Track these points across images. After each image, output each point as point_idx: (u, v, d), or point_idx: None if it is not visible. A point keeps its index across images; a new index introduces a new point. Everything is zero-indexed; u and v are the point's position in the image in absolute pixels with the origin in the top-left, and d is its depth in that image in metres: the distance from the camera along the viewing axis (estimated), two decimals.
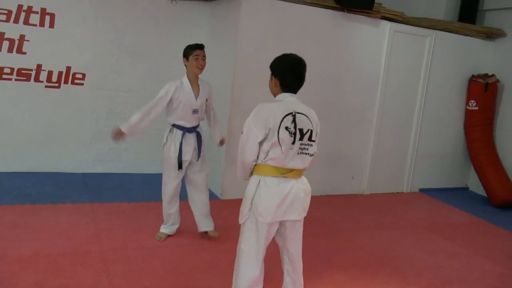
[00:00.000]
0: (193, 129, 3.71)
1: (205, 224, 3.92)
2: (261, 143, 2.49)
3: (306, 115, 2.55)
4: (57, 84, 5.10)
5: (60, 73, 5.08)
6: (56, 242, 3.57)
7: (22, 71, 4.92)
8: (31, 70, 4.95)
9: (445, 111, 6.31)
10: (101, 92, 5.32)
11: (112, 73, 5.31)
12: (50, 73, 5.03)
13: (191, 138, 3.70)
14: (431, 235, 4.63)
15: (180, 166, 3.67)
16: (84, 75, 5.19)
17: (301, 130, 2.50)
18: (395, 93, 5.87)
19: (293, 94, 2.63)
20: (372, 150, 5.86)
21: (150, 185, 5.22)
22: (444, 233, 4.72)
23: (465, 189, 6.68)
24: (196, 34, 5.51)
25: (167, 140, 3.71)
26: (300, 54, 5.41)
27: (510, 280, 3.78)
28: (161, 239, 3.83)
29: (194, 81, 3.68)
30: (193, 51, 3.60)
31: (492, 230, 5.02)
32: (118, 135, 3.60)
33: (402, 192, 6.20)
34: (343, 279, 3.48)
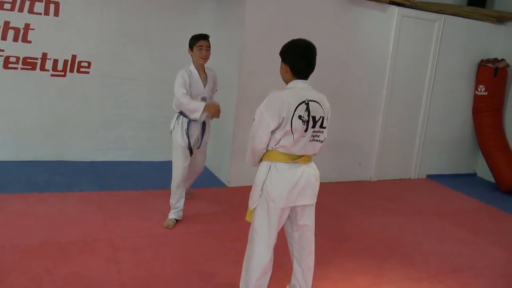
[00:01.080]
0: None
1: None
2: (273, 132, 2.48)
3: (318, 102, 2.53)
4: (62, 73, 5.09)
5: (65, 61, 5.06)
6: (64, 230, 3.58)
7: (28, 60, 4.90)
8: (36, 59, 4.93)
9: (454, 96, 6.24)
10: (107, 80, 5.30)
11: (117, 61, 5.29)
12: (55, 62, 5.02)
13: (196, 126, 3.78)
14: (439, 222, 4.62)
15: (191, 152, 3.77)
16: (89, 63, 5.17)
17: (314, 118, 2.49)
18: (403, 78, 5.81)
19: (305, 81, 2.60)
20: (379, 136, 5.82)
21: (157, 172, 5.23)
22: (452, 220, 4.70)
23: (473, 175, 6.64)
24: (202, 21, 5.47)
25: (174, 127, 3.79)
26: None
27: None
28: (169, 226, 3.84)
29: (200, 70, 3.75)
30: (196, 41, 3.65)
31: (501, 217, 5.00)
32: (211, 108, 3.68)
33: (410, 179, 6.17)
34: (351, 266, 3.47)
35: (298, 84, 2.57)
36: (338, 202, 4.93)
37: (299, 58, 2.55)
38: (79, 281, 2.89)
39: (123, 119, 5.44)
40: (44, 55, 4.95)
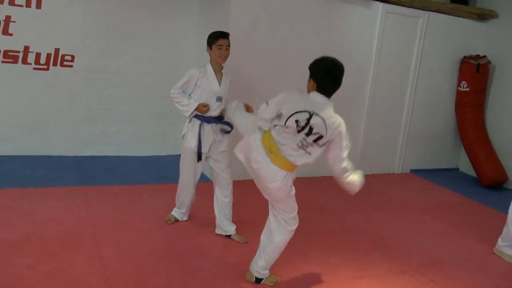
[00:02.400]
0: (212, 120, 3.53)
1: (225, 227, 3.71)
2: (271, 119, 2.72)
3: (324, 120, 2.61)
4: (45, 66, 5.01)
5: (48, 55, 4.99)
6: (48, 225, 3.55)
7: (9, 53, 4.82)
8: (18, 52, 4.85)
9: (437, 92, 6.32)
10: (91, 74, 5.25)
11: (102, 55, 5.23)
12: (38, 55, 4.94)
13: (209, 129, 3.53)
14: (421, 216, 4.70)
15: (199, 158, 3.55)
16: (73, 57, 5.11)
17: (311, 129, 2.59)
18: (387, 74, 5.86)
19: (324, 97, 2.73)
20: (363, 131, 5.88)
21: (142, 167, 5.21)
22: (434, 214, 4.78)
23: (456, 169, 6.75)
24: (187, 15, 5.45)
25: (187, 131, 3.58)
26: (291, 36, 5.41)
27: (498, 259, 3.85)
28: (169, 221, 3.84)
29: (217, 70, 3.55)
30: (216, 40, 3.46)
31: (481, 210, 5.10)
32: (201, 107, 3.49)
33: (394, 173, 6.25)
34: (334, 260, 3.52)
35: (316, 96, 2.71)
36: (322, 196, 4.97)
37: (326, 78, 2.71)
38: (62, 276, 2.88)
39: (107, 114, 5.40)
40: (26, 48, 4.87)
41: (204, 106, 3.45)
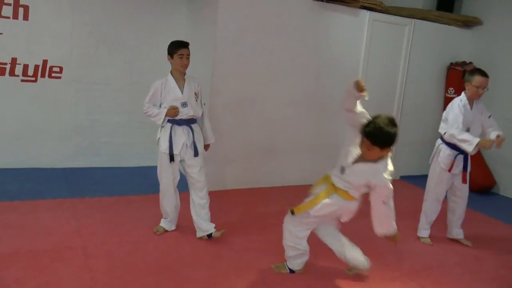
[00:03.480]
0: (183, 122, 3.66)
1: (203, 227, 3.79)
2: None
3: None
4: (33, 78, 5.00)
5: (36, 66, 4.97)
6: (36, 239, 3.52)
7: None
8: (5, 64, 4.83)
9: (425, 98, 6.38)
10: (79, 85, 5.24)
11: (90, 66, 5.23)
12: (26, 67, 4.92)
13: (181, 131, 3.65)
14: (411, 222, 4.69)
15: (171, 159, 3.65)
16: (61, 68, 5.10)
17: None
18: (375, 82, 5.91)
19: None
20: None
21: (132, 178, 5.19)
22: None
23: None
24: (175, 25, 5.47)
25: (160, 135, 3.70)
26: (279, 45, 5.44)
27: (487, 263, 3.87)
28: (158, 231, 3.84)
29: (179, 77, 3.69)
30: (177, 49, 3.60)
31: (470, 215, 5.11)
32: (172, 111, 3.62)
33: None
34: (326, 267, 3.52)
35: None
36: None
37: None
38: None
39: (96, 125, 5.38)
40: (14, 60, 4.86)
41: (174, 109, 3.59)
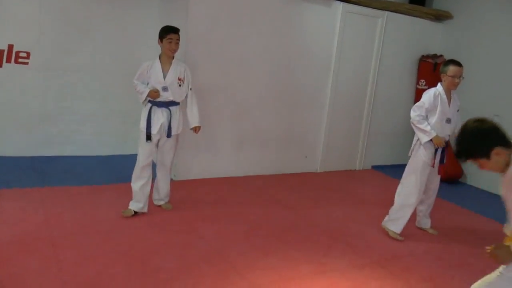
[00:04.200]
0: (163, 104, 3.82)
1: (159, 200, 4.16)
2: None
3: None
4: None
5: (1, 51, 4.80)
6: (2, 229, 3.42)
7: None
8: None
9: (397, 90, 6.48)
10: (48, 72, 5.09)
11: (59, 52, 5.08)
12: None
13: (160, 113, 3.81)
14: (382, 210, 4.77)
15: (148, 138, 3.80)
16: (28, 53, 4.94)
17: None
18: (348, 72, 5.96)
19: None
20: (325, 129, 5.96)
21: (102, 167, 5.10)
22: None
23: None
24: (147, 11, 5.37)
25: (141, 113, 3.89)
26: (252, 34, 5.43)
27: (454, 251, 3.98)
28: (126, 214, 3.86)
29: (166, 61, 3.85)
30: (167, 34, 3.77)
31: (440, 204, 5.25)
32: (153, 93, 3.79)
33: (355, 170, 6.37)
34: (296, 255, 3.55)
35: None
36: (284, 193, 5.00)
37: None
38: (16, 282, 2.77)
39: (65, 113, 5.25)
40: None
41: (155, 92, 3.76)
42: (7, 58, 4.86)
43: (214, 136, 5.16)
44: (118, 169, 5.04)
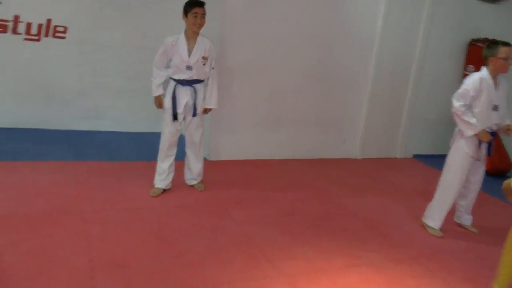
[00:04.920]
0: (187, 83, 3.68)
1: (191, 180, 4.05)
2: None
3: None
4: (37, 37, 4.82)
5: (40, 25, 4.79)
6: (34, 201, 3.43)
7: None
8: (7, 21, 4.65)
9: (442, 75, 6.11)
10: (84, 47, 5.05)
11: (95, 27, 5.03)
12: (29, 25, 4.74)
13: (184, 92, 3.69)
14: (422, 203, 4.52)
15: (174, 118, 3.70)
16: (66, 28, 4.91)
17: None
18: (391, 55, 5.65)
19: None
20: (365, 113, 5.70)
21: (135, 144, 5.07)
22: None
23: None
24: None
25: (165, 92, 3.76)
26: (290, 13, 5.21)
27: (497, 251, 3.71)
28: (154, 193, 3.79)
29: (191, 38, 3.66)
30: (191, 8, 3.56)
31: (485, 199, 4.94)
32: (157, 102, 3.77)
33: (396, 158, 6.09)
34: (329, 245, 3.39)
35: None
36: (320, 179, 4.83)
37: None
38: (44, 254, 2.75)
39: (101, 88, 5.22)
40: (16, 18, 4.67)
41: (159, 101, 3.74)
42: (45, 32, 4.84)
43: (249, 116, 5.02)
44: (150, 146, 4.94)
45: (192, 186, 4.06)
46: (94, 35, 5.05)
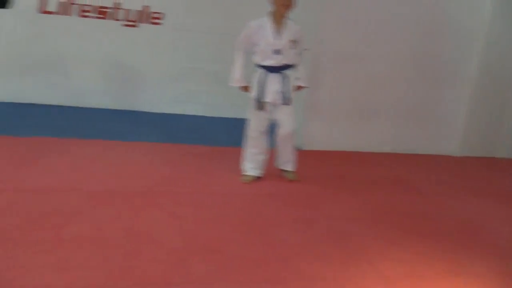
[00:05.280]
0: (276, 69, 3.52)
1: (283, 164, 3.88)
2: None
3: None
4: (134, 23, 4.99)
5: (137, 12, 4.94)
6: (131, 180, 3.55)
7: (100, 9, 4.84)
8: (108, 8, 4.86)
9: None
10: (179, 32, 5.16)
11: (190, 13, 5.10)
12: (127, 12, 4.92)
13: (274, 79, 3.52)
14: None
15: (260, 107, 3.56)
16: (162, 14, 5.02)
17: None
18: (499, 47, 5.11)
19: None
20: (466, 110, 5.25)
21: (228, 129, 5.10)
22: None
23: None
24: None
25: (252, 81, 3.63)
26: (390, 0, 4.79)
27: None
28: (245, 179, 3.75)
29: (278, 20, 3.46)
30: None
31: None
32: (243, 89, 3.69)
33: (500, 158, 5.56)
34: (429, 249, 3.12)
35: None
36: (416, 176, 4.52)
37: None
38: (140, 232, 2.81)
39: (195, 73, 5.31)
40: (116, 5, 4.86)
41: (245, 87, 3.62)
42: (142, 18, 4.99)
43: (344, 106, 4.85)
44: (243, 132, 4.95)
45: (285, 171, 3.92)
46: (189, 21, 5.14)
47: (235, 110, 5.40)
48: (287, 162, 3.89)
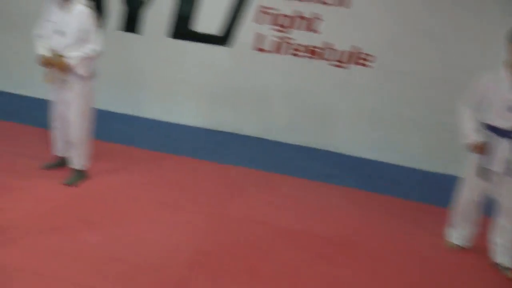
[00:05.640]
0: (507, 133, 2.99)
1: (500, 255, 3.16)
2: None
3: None
4: (343, 64, 5.00)
5: (348, 53, 4.95)
6: (324, 223, 3.50)
7: (312, 49, 4.99)
8: (322, 48, 4.97)
9: None
10: (384, 74, 4.97)
11: (394, 54, 4.88)
12: (338, 53, 4.97)
13: (502, 144, 3.01)
14: None
15: (483, 174, 3.08)
16: (373, 57, 4.92)
17: None
18: None
19: None
20: None
21: (429, 184, 4.68)
22: None
23: None
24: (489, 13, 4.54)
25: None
26: None
27: None
28: (449, 246, 3.37)
29: None
30: None
31: None
32: (475, 149, 3.14)
33: None
34: None
35: None
36: None
37: None
38: (334, 282, 2.69)
39: (394, 117, 5.03)
40: (329, 45, 4.96)
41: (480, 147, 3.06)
42: (352, 60, 4.97)
43: None
44: (444, 190, 4.12)
45: (502, 267, 3.15)
46: (394, 62, 4.92)
47: (436, 164, 4.94)
48: (506, 255, 3.16)
